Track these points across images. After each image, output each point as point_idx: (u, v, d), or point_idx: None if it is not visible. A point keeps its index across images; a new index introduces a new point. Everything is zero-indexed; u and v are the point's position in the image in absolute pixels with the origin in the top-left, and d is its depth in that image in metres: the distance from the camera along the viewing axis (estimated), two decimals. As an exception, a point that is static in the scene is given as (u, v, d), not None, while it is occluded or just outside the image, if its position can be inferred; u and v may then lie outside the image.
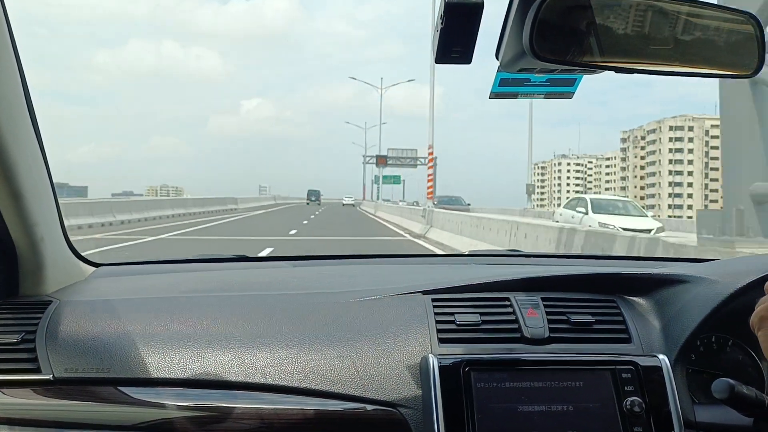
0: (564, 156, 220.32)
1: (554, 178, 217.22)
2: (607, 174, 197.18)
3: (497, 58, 1.03)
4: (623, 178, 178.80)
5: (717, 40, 0.99)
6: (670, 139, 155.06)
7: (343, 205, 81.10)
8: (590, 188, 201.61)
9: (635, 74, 0.99)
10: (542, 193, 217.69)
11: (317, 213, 45.45)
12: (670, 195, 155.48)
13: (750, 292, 1.36)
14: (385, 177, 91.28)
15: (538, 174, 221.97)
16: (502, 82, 1.30)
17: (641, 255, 9.71)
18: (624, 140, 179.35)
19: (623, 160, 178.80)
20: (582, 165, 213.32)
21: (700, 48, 0.98)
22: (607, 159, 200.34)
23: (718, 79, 1.12)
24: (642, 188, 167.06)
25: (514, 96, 1.34)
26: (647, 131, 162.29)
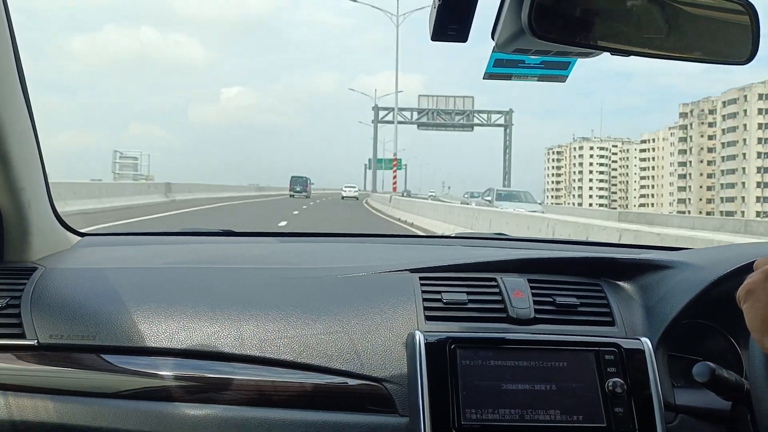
0: (585, 139, 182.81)
1: (574, 165, 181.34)
2: (643, 160, 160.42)
3: (493, 37, 1.02)
4: (681, 163, 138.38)
5: (713, 26, 0.99)
6: (761, 111, 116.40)
7: (343, 197, 60.76)
8: (615, 176, 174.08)
9: (629, 56, 0.99)
10: (558, 183, 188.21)
11: (296, 213, 26.46)
12: (759, 185, 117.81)
13: (732, 279, 1.37)
14: (380, 161, 75.24)
15: (552, 161, 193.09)
16: (496, 62, 1.31)
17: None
18: (684, 115, 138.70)
19: (682, 140, 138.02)
20: (606, 150, 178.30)
21: (696, 33, 0.98)
22: (643, 142, 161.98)
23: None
24: (710, 176, 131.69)
25: (508, 77, 1.35)
26: (723, 102, 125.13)
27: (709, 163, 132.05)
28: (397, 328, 1.37)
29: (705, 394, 1.23)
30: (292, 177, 63.84)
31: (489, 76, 1.29)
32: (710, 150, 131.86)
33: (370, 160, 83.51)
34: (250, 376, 1.32)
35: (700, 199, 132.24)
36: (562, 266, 1.58)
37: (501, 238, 2.36)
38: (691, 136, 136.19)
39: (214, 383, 1.32)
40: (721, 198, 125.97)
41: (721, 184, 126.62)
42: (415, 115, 64.75)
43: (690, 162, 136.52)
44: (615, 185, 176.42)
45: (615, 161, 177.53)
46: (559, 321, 1.42)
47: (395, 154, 31.46)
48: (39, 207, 1.57)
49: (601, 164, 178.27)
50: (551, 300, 1.45)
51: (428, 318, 1.39)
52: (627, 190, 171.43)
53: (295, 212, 27.31)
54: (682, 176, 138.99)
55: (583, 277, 1.55)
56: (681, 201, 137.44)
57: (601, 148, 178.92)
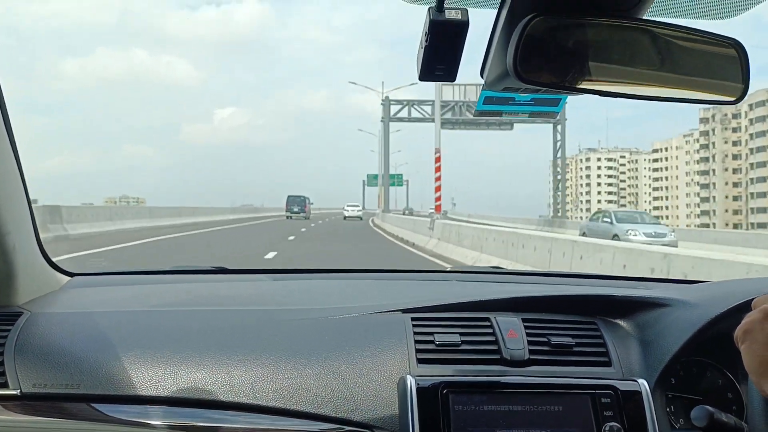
0: (592, 150, 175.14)
1: (580, 177, 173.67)
2: (655, 170, 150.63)
3: (482, 76, 1.03)
4: (703, 172, 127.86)
5: (702, 66, 0.98)
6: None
7: (345, 218, 57.59)
8: (624, 189, 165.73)
9: (617, 99, 0.98)
10: (565, 196, 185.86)
11: (292, 239, 22.78)
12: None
13: (730, 317, 1.35)
14: (375, 177, 70.07)
15: (558, 173, 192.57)
16: (486, 99, 1.31)
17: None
18: (705, 120, 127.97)
19: (704, 148, 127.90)
20: (614, 161, 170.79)
21: (686, 73, 0.98)
22: (655, 151, 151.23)
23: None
24: (736, 185, 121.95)
25: (499, 114, 1.34)
26: (749, 105, 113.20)
27: (735, 171, 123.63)
28: (388, 371, 1.34)
29: None
30: (289, 197, 58.22)
31: (480, 113, 1.28)
32: (735, 157, 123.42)
33: (368, 175, 78.55)
34: (240, 423, 1.29)
35: (726, 211, 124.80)
36: (557, 304, 1.55)
37: (496, 272, 2.34)
38: (713, 143, 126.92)
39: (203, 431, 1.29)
40: (751, 209, 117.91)
41: (750, 194, 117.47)
42: (426, 112, 43.67)
43: (713, 170, 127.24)
44: (624, 197, 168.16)
45: (623, 172, 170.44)
46: (554, 362, 1.40)
47: (437, 151, 23.76)
48: (26, 249, 1.55)
49: (610, 176, 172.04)
50: (546, 340, 1.43)
51: (420, 361, 1.37)
52: (637, 202, 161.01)
53: (291, 237, 23.46)
54: (705, 186, 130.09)
55: (579, 315, 1.53)
56: (704, 213, 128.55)
57: (609, 159, 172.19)
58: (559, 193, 46.66)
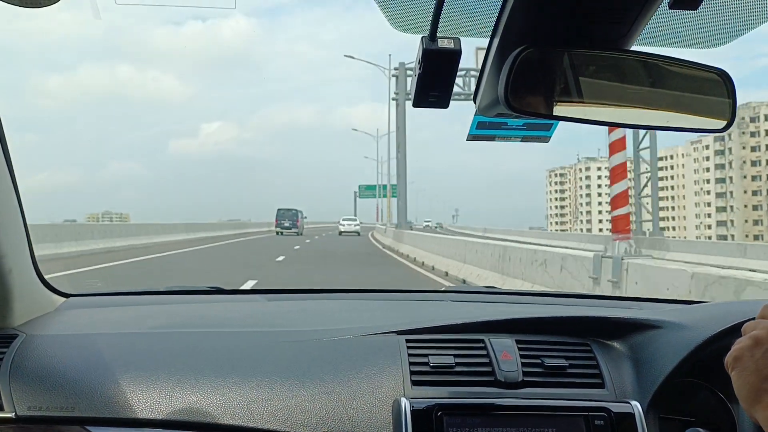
0: (592, 159, 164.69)
1: (580, 187, 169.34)
2: (662, 179, 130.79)
3: (474, 102, 1.05)
4: (720, 180, 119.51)
5: (690, 96, 1.00)
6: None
7: (341, 233, 51.01)
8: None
9: (606, 127, 1.00)
10: (562, 207, 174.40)
11: (281, 259, 20.15)
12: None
13: (723, 339, 1.36)
14: (371, 188, 67.34)
15: (555, 184, 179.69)
16: (479, 125, 1.32)
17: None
18: None
19: (719, 154, 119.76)
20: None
21: (674, 103, 0.99)
22: (660, 159, 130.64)
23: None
24: (755, 193, 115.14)
25: (491, 139, 1.36)
26: None
27: (754, 178, 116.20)
28: (383, 394, 1.35)
29: None
30: (279, 210, 50.28)
31: (473, 137, 1.29)
32: (755, 163, 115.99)
33: (361, 186, 71.68)
34: None
35: (746, 221, 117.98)
36: (550, 326, 1.56)
37: (490, 291, 2.36)
38: (730, 149, 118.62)
39: None
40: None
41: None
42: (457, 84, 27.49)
43: (730, 178, 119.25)
44: None
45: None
46: (547, 384, 1.40)
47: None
48: (22, 271, 1.56)
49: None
50: (540, 362, 1.43)
51: (414, 383, 1.37)
52: (641, 213, 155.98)
53: (280, 258, 20.37)
54: (721, 195, 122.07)
55: (572, 336, 1.53)
56: (721, 223, 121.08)
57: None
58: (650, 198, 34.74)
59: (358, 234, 48.83)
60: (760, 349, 0.88)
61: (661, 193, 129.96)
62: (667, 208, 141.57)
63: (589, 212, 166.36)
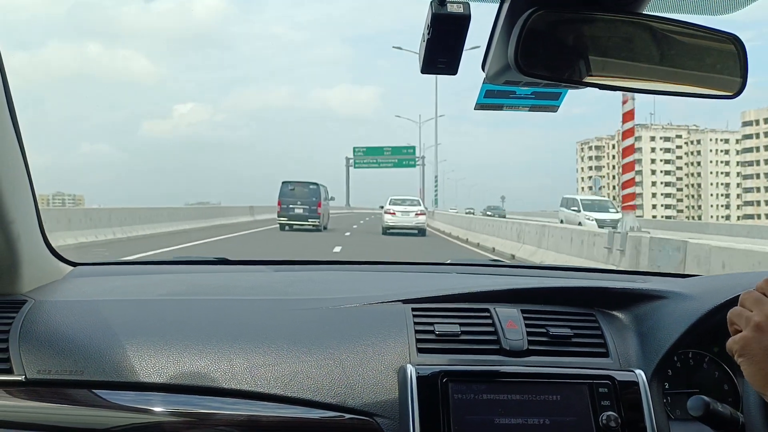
0: (643, 126, 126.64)
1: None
2: (747, 151, 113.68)
3: (483, 70, 1.04)
4: (743, 163, 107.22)
5: (701, 61, 1.00)
6: None
7: (387, 229, 26.34)
8: (680, 178, 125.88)
9: (617, 92, 1.00)
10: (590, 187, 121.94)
11: None
12: None
13: (725, 310, 1.36)
14: (369, 151, 52.41)
15: (589, 159, 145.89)
16: (487, 93, 1.31)
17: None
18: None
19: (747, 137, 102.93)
20: (670, 140, 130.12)
21: (684, 68, 0.99)
22: (746, 125, 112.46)
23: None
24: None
25: (499, 108, 1.35)
26: None
27: None
28: (388, 360, 1.36)
29: (701, 427, 1.22)
30: (285, 185, 28.71)
31: (480, 106, 1.29)
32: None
33: (355, 150, 52.96)
34: (240, 411, 1.31)
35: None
36: (555, 296, 1.57)
37: (495, 264, 2.36)
38: (757, 133, 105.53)
39: (205, 418, 1.30)
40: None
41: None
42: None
43: (757, 160, 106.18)
44: (681, 189, 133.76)
45: (680, 156, 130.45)
46: (552, 353, 1.41)
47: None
48: (30, 239, 1.57)
49: (666, 161, 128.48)
50: (544, 331, 1.44)
51: (420, 350, 1.38)
52: (699, 196, 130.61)
53: None
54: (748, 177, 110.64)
55: (577, 306, 1.54)
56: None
57: (665, 139, 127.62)
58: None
59: (424, 233, 26.95)
60: (766, 336, 0.94)
61: (746, 170, 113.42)
62: (754, 190, 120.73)
63: (640, 194, 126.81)
